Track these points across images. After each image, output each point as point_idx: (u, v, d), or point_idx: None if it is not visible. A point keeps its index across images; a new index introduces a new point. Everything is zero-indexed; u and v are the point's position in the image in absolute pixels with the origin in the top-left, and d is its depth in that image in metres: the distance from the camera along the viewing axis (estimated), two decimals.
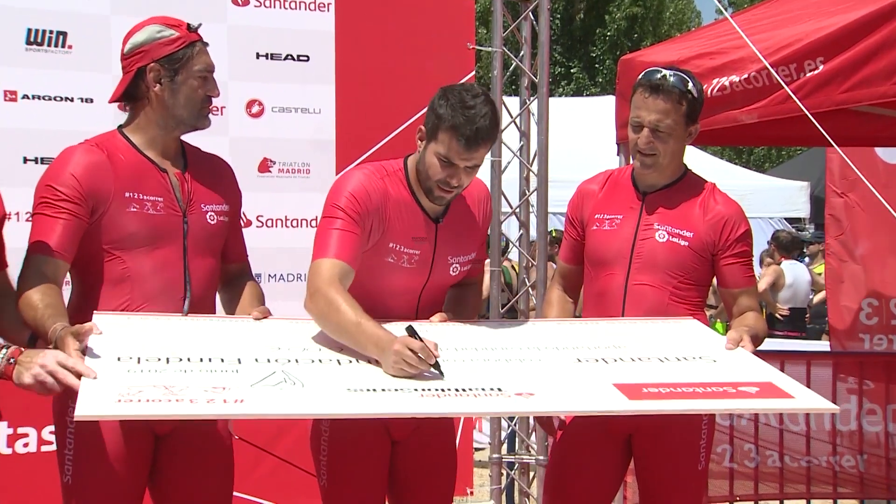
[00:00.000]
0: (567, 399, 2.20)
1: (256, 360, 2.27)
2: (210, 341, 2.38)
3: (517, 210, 5.39)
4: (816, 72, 3.55)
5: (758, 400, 2.21)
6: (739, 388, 2.23)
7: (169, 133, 2.63)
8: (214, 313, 2.69)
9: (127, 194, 2.53)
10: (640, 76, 2.85)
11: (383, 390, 2.13)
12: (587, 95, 22.25)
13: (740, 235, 2.86)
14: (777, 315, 8.98)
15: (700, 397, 2.19)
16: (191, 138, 2.74)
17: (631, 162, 2.90)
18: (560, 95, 23.02)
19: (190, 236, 2.59)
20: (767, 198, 11.51)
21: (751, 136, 4.98)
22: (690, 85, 2.81)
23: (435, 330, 2.59)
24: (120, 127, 2.66)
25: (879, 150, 5.91)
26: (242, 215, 2.87)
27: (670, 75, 2.79)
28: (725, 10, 3.99)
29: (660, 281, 2.82)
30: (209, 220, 2.64)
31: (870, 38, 3.47)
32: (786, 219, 11.94)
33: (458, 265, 2.75)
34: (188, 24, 2.63)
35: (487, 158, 5.40)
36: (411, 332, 2.29)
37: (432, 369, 2.21)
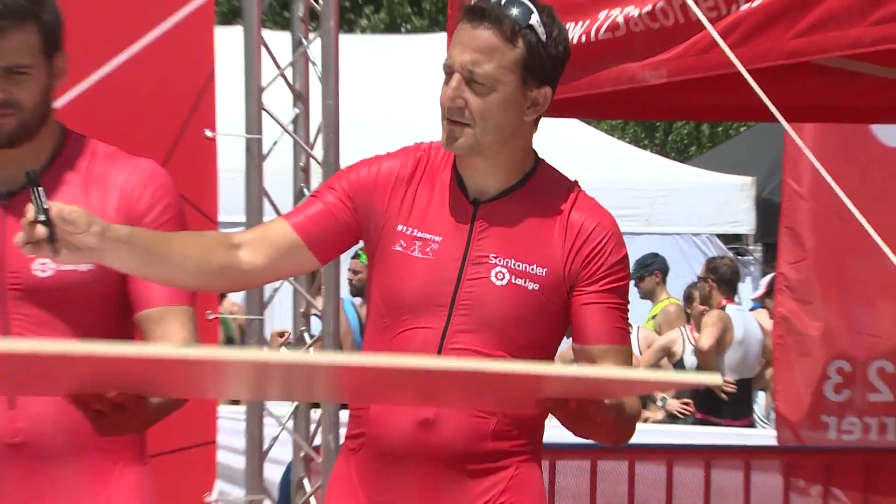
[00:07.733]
0: None
1: None
2: None
3: None
4: (753, 4, 3.72)
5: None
6: None
7: None
8: None
9: None
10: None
11: None
12: (407, 32, 22.61)
13: (613, 264, 2.94)
14: (722, 391, 8.83)
15: None
16: None
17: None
18: (362, 31, 23.28)
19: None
20: (691, 201, 11.64)
21: (662, 104, 5.17)
22: (535, 18, 2.87)
23: None
24: None
25: (877, 128, 5.91)
26: None
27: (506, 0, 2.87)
28: None
29: (491, 344, 2.90)
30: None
31: None
32: (718, 235, 12.15)
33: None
34: None
35: (241, 138, 5.40)
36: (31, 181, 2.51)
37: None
